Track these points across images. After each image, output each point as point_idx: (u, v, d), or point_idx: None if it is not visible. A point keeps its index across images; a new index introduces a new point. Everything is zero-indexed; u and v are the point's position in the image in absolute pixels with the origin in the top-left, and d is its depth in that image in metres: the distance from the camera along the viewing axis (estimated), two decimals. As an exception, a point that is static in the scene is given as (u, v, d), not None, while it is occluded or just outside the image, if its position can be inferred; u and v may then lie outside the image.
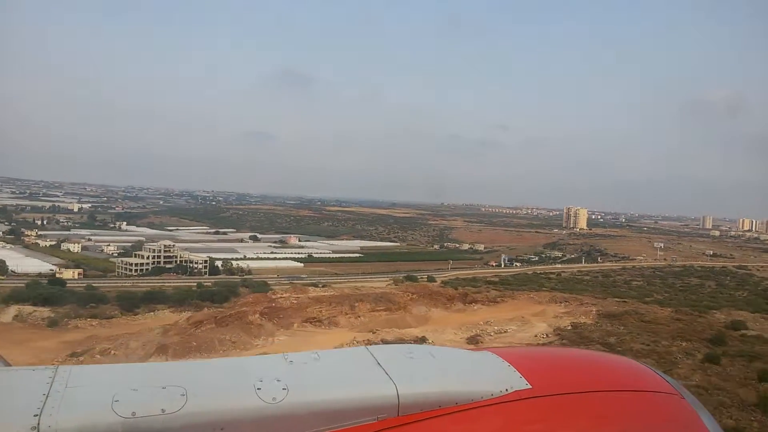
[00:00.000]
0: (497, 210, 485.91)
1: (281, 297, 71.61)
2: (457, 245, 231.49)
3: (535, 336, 54.40)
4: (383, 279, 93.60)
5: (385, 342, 49.46)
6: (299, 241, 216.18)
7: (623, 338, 44.34)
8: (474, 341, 51.80)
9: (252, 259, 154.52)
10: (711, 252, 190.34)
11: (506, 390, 2.63)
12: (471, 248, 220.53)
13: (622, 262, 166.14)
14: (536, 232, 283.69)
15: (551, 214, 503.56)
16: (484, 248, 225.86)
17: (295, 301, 71.72)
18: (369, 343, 50.75)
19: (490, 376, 2.73)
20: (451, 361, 2.90)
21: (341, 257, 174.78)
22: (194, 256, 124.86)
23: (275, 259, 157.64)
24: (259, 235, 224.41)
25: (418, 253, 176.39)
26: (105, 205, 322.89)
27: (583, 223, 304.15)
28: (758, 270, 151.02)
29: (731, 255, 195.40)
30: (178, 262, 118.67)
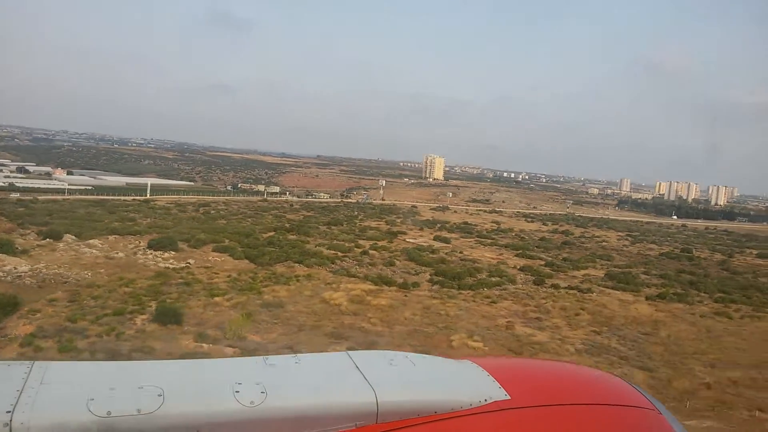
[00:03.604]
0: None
1: None
2: (253, 186, 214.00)
3: None
4: None
5: None
6: (67, 174, 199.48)
7: None
8: None
9: None
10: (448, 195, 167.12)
11: (485, 400, 2.57)
12: (266, 190, 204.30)
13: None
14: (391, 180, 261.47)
15: (475, 171, 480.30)
16: (280, 190, 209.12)
17: None
18: None
19: (470, 385, 2.66)
20: (431, 370, 2.81)
21: (59, 188, 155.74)
22: None
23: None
24: (34, 168, 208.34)
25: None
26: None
27: (439, 174, 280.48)
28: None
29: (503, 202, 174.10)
30: None
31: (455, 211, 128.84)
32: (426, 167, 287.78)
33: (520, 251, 75.41)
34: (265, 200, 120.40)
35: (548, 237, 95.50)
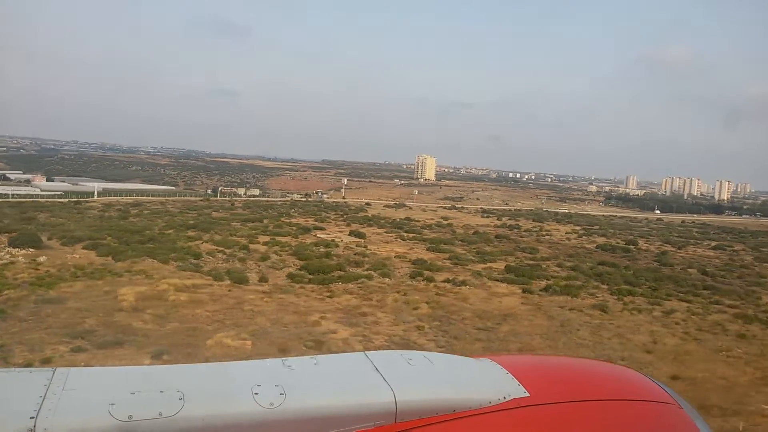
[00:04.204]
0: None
1: None
2: (234, 189, 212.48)
3: None
4: None
5: None
6: (47, 181, 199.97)
7: None
8: None
9: None
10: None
11: (504, 398, 2.56)
12: (245, 193, 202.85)
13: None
14: (370, 182, 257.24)
15: (480, 172, 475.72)
16: (259, 193, 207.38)
17: None
18: None
19: (489, 383, 2.65)
20: (450, 368, 2.80)
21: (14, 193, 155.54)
22: None
23: None
24: (17, 176, 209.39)
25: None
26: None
27: (430, 174, 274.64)
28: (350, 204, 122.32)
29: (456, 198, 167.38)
30: None
31: (410, 208, 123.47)
32: (417, 167, 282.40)
33: (434, 245, 69.97)
34: (207, 200, 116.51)
35: (487, 231, 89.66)
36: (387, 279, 49.47)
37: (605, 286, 52.38)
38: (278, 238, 66.98)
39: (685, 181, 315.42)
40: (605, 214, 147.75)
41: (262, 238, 66.54)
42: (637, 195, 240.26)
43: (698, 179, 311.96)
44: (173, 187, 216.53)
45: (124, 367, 2.55)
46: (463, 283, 48.83)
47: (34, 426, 1.94)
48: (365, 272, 50.86)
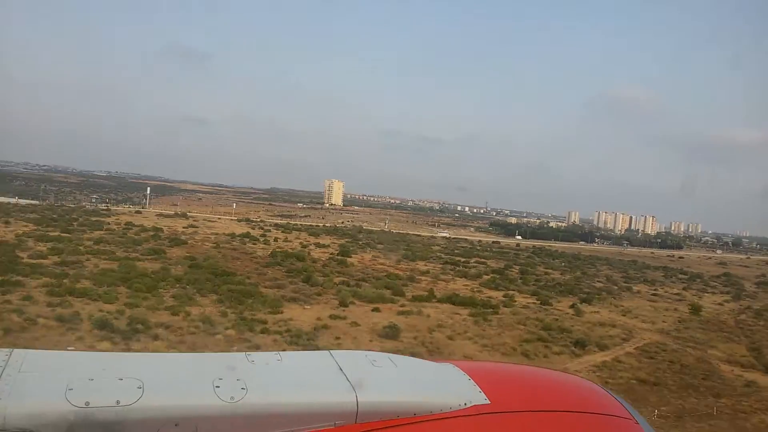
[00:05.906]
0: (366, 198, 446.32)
1: None
2: (99, 205, 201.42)
3: None
4: None
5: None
6: None
7: None
8: None
9: None
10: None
11: (465, 404, 2.52)
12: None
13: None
14: (270, 204, 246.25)
15: (427, 204, 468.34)
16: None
17: None
18: None
19: (450, 388, 2.62)
20: (413, 372, 2.78)
21: None
22: None
23: None
24: None
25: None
26: None
27: (337, 199, 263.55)
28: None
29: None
30: None
31: (187, 218, 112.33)
32: (325, 192, 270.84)
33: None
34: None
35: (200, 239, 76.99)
36: None
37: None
38: None
39: (611, 216, 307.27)
40: (448, 236, 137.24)
41: None
42: (529, 224, 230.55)
43: (623, 214, 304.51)
44: (35, 201, 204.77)
45: (83, 351, 2.42)
46: None
47: None
48: None
